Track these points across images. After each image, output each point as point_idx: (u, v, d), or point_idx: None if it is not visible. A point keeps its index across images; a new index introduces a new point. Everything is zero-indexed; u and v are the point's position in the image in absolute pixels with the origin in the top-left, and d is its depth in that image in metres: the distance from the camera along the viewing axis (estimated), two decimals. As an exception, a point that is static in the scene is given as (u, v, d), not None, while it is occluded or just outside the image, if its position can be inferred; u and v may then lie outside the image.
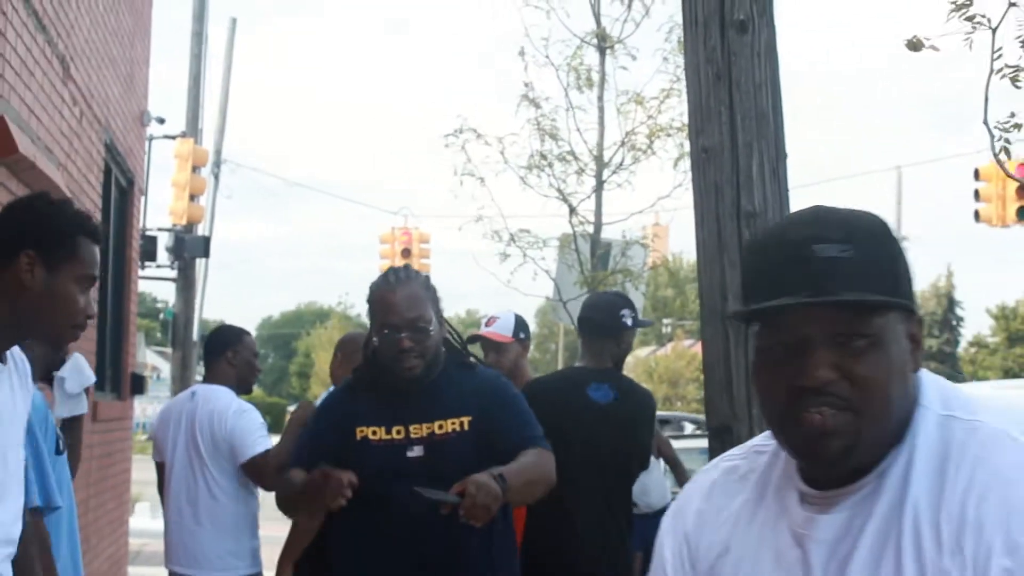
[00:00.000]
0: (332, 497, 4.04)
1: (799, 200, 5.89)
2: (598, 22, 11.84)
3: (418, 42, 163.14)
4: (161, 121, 17.30)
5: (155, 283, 27.19)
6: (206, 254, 22.10)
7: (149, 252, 19.03)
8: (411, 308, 4.24)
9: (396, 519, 4.16)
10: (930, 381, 1.88)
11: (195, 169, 21.52)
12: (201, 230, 22.59)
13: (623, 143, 11.83)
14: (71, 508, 4.33)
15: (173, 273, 22.22)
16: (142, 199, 13.75)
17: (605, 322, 5.65)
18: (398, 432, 4.24)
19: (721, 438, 4.91)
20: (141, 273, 16.78)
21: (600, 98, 11.97)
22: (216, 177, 24.54)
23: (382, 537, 4.22)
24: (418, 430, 4.24)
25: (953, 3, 4.04)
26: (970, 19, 4.04)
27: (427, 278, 4.43)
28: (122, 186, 11.56)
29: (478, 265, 12.70)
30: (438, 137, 12.31)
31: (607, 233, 12.35)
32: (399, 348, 4.19)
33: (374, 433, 4.26)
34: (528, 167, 11.96)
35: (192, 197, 21.44)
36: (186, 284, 22.18)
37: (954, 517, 1.72)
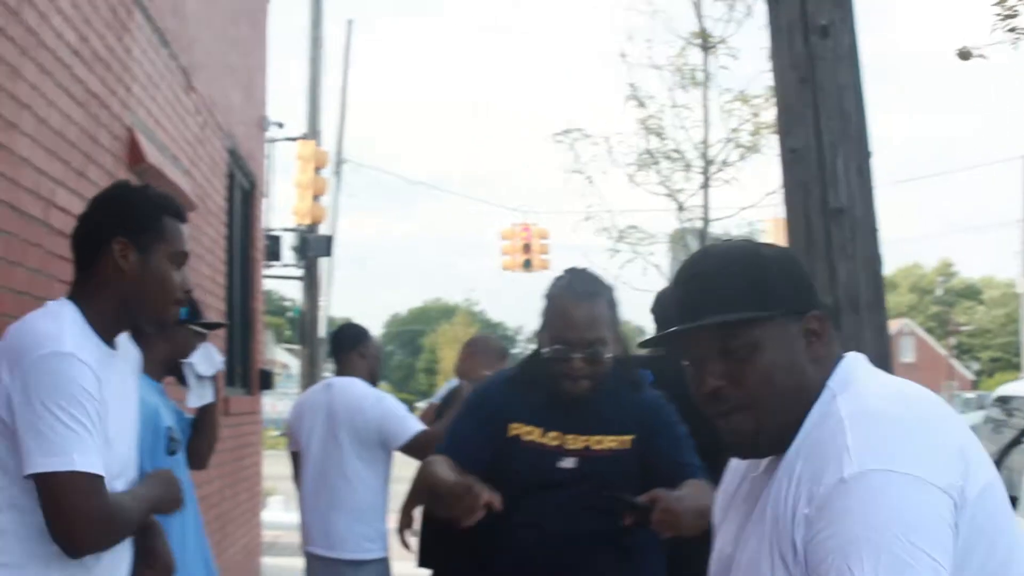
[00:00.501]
0: (466, 513, 3.62)
1: (903, 192, 6.02)
2: (701, 23, 12.01)
3: (533, 41, 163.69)
4: (280, 126, 17.81)
5: (282, 282, 27.78)
6: (329, 253, 22.57)
7: (274, 252, 19.50)
8: (592, 328, 3.85)
9: (534, 532, 3.86)
10: (845, 364, 2.20)
11: (317, 170, 21.99)
12: (324, 229, 23.09)
13: (728, 140, 11.99)
14: (194, 506, 4.42)
15: (299, 272, 22.75)
16: (264, 201, 14.17)
17: (666, 314, 5.76)
18: (553, 438, 3.91)
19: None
20: (267, 272, 17.26)
21: (705, 97, 12.15)
22: (338, 177, 25.07)
23: (516, 547, 3.90)
24: (574, 440, 3.90)
25: (998, 14, 4.18)
26: (1012, 31, 4.19)
27: (612, 291, 4.02)
28: (244, 189, 11.95)
29: (588, 260, 13.02)
30: (553, 134, 12.63)
31: (716, 228, 12.57)
32: (570, 368, 3.84)
33: (528, 433, 3.92)
34: (637, 164, 12.19)
35: (315, 197, 21.91)
36: (311, 282, 22.68)
37: (793, 476, 2.06)
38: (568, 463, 3.88)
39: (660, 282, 12.94)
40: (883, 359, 5.16)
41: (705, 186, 12.19)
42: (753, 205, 12.68)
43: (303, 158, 21.77)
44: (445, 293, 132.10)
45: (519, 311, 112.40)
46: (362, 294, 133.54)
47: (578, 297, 3.86)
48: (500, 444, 3.91)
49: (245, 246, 11.81)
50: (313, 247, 21.87)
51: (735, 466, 2.36)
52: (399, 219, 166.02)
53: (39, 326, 3.00)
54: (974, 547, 1.97)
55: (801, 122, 5.39)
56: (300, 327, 24.06)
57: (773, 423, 2.14)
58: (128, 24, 6.48)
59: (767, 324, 2.15)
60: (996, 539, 2.00)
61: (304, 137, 22.03)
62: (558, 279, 3.99)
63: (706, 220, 12.24)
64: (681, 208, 12.28)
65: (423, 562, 5.53)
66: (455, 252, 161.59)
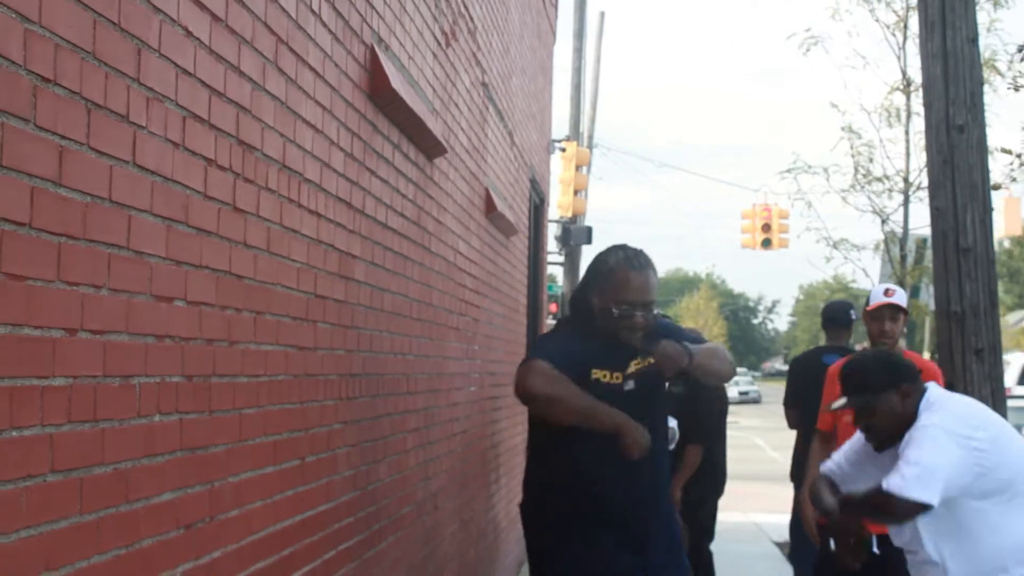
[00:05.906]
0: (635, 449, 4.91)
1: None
2: (904, 72, 14.43)
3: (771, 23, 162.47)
4: (563, 150, 20.51)
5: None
6: (590, 241, 25.10)
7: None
8: (650, 292, 5.07)
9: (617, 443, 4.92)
10: (927, 397, 4.69)
11: (578, 168, 24.65)
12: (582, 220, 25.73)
13: (924, 167, 14.37)
14: None
15: (560, 258, 25.54)
16: (547, 208, 16.98)
17: (841, 318, 8.56)
18: (616, 377, 5.06)
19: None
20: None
21: (907, 132, 14.62)
22: (589, 162, 27.44)
23: (604, 455, 4.98)
24: (627, 369, 5.09)
25: None
26: None
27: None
28: (536, 204, 14.67)
29: (810, 263, 15.73)
30: (779, 171, 15.32)
31: (914, 234, 15.01)
32: (633, 323, 5.02)
33: (605, 376, 5.05)
34: (851, 187, 14.74)
35: (576, 192, 24.60)
36: (571, 267, 25.35)
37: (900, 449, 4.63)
38: (630, 385, 5.09)
39: (866, 282, 15.51)
40: (995, 348, 7.79)
41: (905, 203, 14.67)
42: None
43: (566, 157, 24.36)
44: (686, 264, 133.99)
45: (759, 283, 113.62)
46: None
47: (637, 267, 5.06)
48: (585, 385, 4.96)
49: (534, 250, 14.56)
50: (575, 236, 24.54)
51: (868, 451, 4.88)
52: (642, 192, 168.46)
53: None
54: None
55: (943, 189, 8.01)
56: (560, 306, 26.74)
57: (887, 438, 4.71)
58: (486, 116, 9.31)
59: (874, 399, 4.68)
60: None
61: (567, 139, 24.73)
62: (613, 252, 5.20)
63: (906, 230, 14.77)
64: (884, 221, 14.81)
65: None
66: (699, 225, 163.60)
